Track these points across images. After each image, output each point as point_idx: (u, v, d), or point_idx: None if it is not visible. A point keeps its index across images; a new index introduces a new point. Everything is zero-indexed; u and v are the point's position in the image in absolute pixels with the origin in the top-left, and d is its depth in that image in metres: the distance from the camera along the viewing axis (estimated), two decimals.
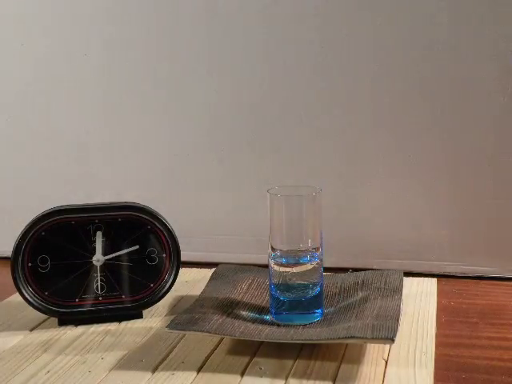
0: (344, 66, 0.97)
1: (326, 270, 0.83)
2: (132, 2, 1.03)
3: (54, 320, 0.84)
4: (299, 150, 1.01)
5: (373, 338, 0.69)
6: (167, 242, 0.85)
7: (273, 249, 0.78)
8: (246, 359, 0.72)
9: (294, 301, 0.78)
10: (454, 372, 0.69)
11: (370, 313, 0.76)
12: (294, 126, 1.00)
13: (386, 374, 0.69)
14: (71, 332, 0.82)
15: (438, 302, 0.87)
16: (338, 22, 0.96)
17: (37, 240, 0.83)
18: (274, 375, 0.69)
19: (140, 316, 0.85)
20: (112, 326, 0.83)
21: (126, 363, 0.73)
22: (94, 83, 1.07)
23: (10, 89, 1.10)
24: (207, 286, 0.88)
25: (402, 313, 0.79)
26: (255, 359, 0.72)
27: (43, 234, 0.83)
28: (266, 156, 1.02)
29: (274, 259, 0.78)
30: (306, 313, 0.78)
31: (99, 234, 0.84)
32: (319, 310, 0.79)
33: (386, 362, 0.71)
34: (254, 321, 0.78)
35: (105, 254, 0.84)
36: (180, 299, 0.90)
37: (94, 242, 0.84)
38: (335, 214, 0.99)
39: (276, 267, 0.78)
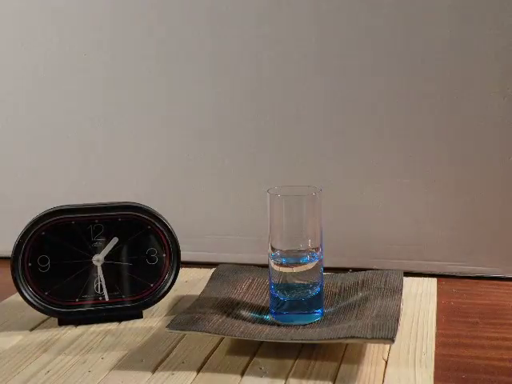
0: (344, 67, 0.97)
1: (326, 269, 0.83)
2: (132, 2, 1.03)
3: (54, 320, 0.84)
4: (299, 150, 1.01)
5: (373, 338, 0.69)
6: (167, 241, 0.85)
7: (273, 249, 0.78)
8: (245, 359, 0.72)
9: (294, 301, 0.78)
10: (454, 372, 0.69)
11: (370, 313, 0.76)
12: (294, 125, 1.00)
13: (386, 374, 0.69)
14: (71, 332, 0.82)
15: (438, 302, 0.87)
16: (338, 22, 0.96)
17: (37, 240, 0.83)
18: (274, 375, 0.69)
19: (140, 316, 0.85)
20: (112, 326, 0.83)
21: (126, 363, 0.73)
22: (94, 83, 1.07)
23: (9, 89, 1.10)
24: (207, 286, 0.88)
25: (402, 313, 0.79)
26: (255, 359, 0.72)
27: (43, 233, 0.83)
28: (266, 156, 1.02)
29: (274, 259, 0.78)
30: (306, 313, 0.78)
31: (115, 239, 0.84)
32: (319, 310, 0.79)
33: (386, 362, 0.71)
34: (254, 321, 0.78)
35: (104, 254, 0.84)
36: (180, 299, 0.90)
37: (94, 242, 0.84)
38: (335, 214, 0.99)
39: (276, 267, 0.78)
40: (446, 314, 0.83)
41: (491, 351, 0.73)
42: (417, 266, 0.99)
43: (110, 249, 0.84)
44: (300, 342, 0.73)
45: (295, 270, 0.78)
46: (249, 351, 0.74)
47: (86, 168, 1.09)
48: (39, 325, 0.84)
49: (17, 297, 0.86)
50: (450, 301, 0.88)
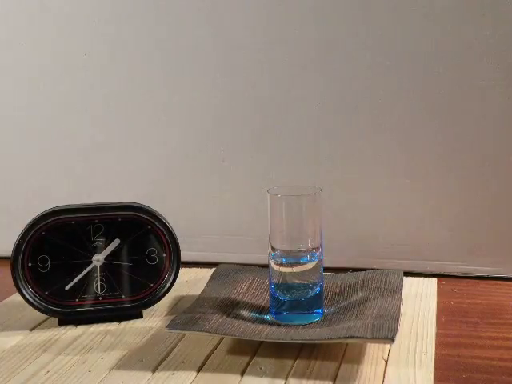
0: (345, 67, 0.97)
1: (326, 269, 0.83)
2: (132, 2, 1.03)
3: (54, 320, 0.84)
4: (299, 150, 1.01)
5: (373, 338, 0.69)
6: (167, 241, 0.85)
7: (273, 249, 0.78)
8: (245, 359, 0.72)
9: (294, 301, 0.78)
10: (454, 372, 0.69)
11: (370, 313, 0.76)
12: (294, 125, 1.00)
13: (386, 374, 0.69)
14: (71, 332, 0.82)
15: (438, 302, 0.87)
16: (340, 21, 0.96)
17: (37, 240, 0.83)
18: (274, 375, 0.69)
19: (140, 316, 0.85)
20: (112, 326, 0.83)
21: (126, 363, 0.73)
22: (94, 83, 1.07)
23: (10, 89, 1.10)
24: (207, 286, 0.88)
25: (402, 313, 0.79)
26: (255, 359, 0.72)
27: (43, 233, 0.83)
28: (266, 156, 1.02)
29: (274, 259, 0.78)
30: (306, 313, 0.78)
31: (116, 241, 0.84)
32: (319, 310, 0.79)
33: (386, 362, 0.71)
34: (254, 321, 0.78)
35: (104, 254, 0.84)
36: (180, 299, 0.90)
37: (94, 242, 0.84)
38: (335, 214, 0.99)
39: (276, 267, 0.78)
40: (446, 314, 0.83)
41: (491, 351, 0.73)
42: (417, 266, 0.99)
43: (110, 250, 0.84)
44: (300, 342, 0.72)
45: (295, 269, 0.78)
46: (249, 351, 0.74)
47: (86, 168, 1.09)
48: (39, 325, 0.84)
49: (17, 297, 0.86)
50: (450, 301, 0.88)
